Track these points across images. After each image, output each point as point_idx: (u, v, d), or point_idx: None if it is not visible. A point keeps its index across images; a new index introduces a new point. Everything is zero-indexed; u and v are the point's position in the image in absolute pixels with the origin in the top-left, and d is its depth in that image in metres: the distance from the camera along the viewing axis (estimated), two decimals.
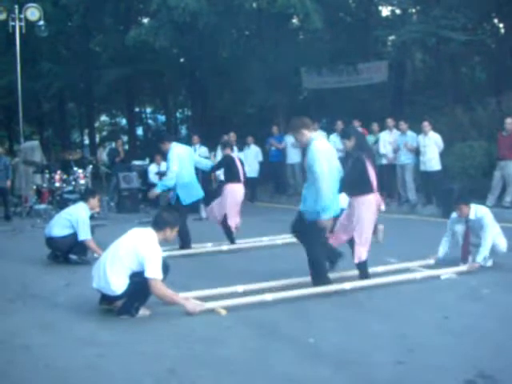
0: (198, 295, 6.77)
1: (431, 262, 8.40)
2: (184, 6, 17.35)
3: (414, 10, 21.02)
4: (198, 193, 10.05)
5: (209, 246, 10.22)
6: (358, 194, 7.29)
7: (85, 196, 9.56)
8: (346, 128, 8.50)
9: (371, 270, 7.69)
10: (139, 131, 34.49)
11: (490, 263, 8.26)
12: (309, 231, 7.08)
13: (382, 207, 7.67)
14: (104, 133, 40.42)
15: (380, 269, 7.99)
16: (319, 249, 7.18)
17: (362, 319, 6.19)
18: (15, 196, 15.71)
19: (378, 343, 5.39)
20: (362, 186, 7.28)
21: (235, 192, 10.35)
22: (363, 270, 7.50)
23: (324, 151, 7.00)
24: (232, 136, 16.94)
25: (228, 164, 10.48)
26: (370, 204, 7.30)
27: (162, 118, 35.75)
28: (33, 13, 16.77)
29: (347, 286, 7.21)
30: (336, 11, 20.91)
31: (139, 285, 6.05)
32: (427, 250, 8.68)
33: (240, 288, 7.07)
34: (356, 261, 7.42)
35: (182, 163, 9.71)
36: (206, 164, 10.96)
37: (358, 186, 7.28)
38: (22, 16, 16.53)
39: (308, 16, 17.46)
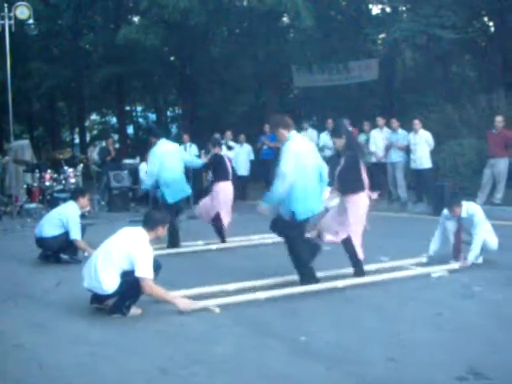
0: (191, 294, 6.76)
1: (423, 260, 8.42)
2: (174, 4, 17.32)
3: (404, 8, 21.06)
4: (184, 190, 9.95)
5: (200, 245, 10.22)
6: (350, 192, 7.32)
7: (75, 195, 9.48)
8: (337, 126, 8.49)
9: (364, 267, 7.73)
10: (130, 130, 34.42)
11: (480, 260, 8.29)
12: (286, 229, 7.19)
13: (374, 196, 7.71)
14: (94, 131, 40.30)
15: (372, 267, 7.99)
16: (301, 246, 7.22)
17: (353, 317, 6.21)
18: (5, 195, 15.63)
19: (370, 340, 5.40)
20: (354, 184, 7.32)
21: (226, 190, 10.34)
22: (360, 268, 7.54)
23: (295, 151, 7.05)
24: (228, 135, 17.00)
25: (217, 163, 10.45)
26: (363, 202, 7.37)
27: (152, 116, 35.70)
28: (22, 11, 16.72)
29: (340, 284, 7.24)
30: (326, 9, 20.94)
31: (130, 284, 6.04)
32: (418, 248, 8.70)
33: (231, 286, 7.06)
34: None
35: (164, 161, 9.64)
36: (198, 163, 10.94)
37: (350, 185, 7.31)
38: (12, 14, 16.48)
39: (298, 14, 17.49)
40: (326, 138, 16.26)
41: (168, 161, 9.69)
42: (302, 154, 7.12)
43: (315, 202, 7.22)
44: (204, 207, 10.45)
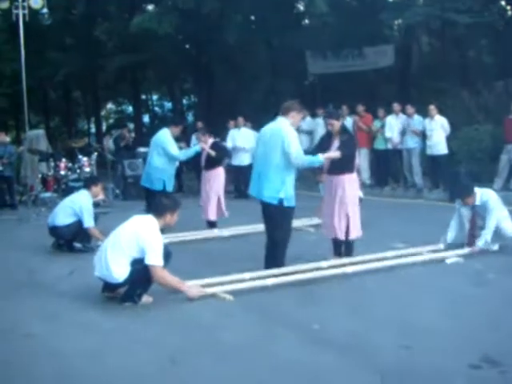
0: (205, 283, 6.70)
1: (441, 246, 8.33)
2: None
3: None
4: (145, 178, 10.79)
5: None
6: (344, 172, 7.55)
7: (87, 184, 9.50)
8: (334, 110, 8.93)
9: (379, 254, 7.72)
10: (146, 118, 34.44)
11: (495, 247, 8.20)
12: None
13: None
14: (111, 121, 40.39)
15: (388, 254, 7.91)
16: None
17: (366, 304, 6.17)
18: (21, 185, 15.69)
19: (383, 327, 5.37)
20: (349, 164, 7.61)
21: (223, 174, 10.84)
22: (351, 248, 7.75)
23: (257, 137, 7.86)
24: (240, 121, 16.97)
25: (220, 149, 10.93)
26: (355, 181, 7.73)
27: (168, 104, 35.68)
28: (36, 1, 16.75)
29: (349, 269, 7.23)
30: None
31: (141, 272, 6.02)
32: (434, 235, 8.58)
33: (247, 275, 6.98)
34: (353, 237, 7.62)
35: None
36: (192, 151, 11.18)
37: (346, 165, 7.54)
38: (26, 4, 16.49)
39: (313, 0, 17.34)
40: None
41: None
42: (259, 140, 7.48)
43: (258, 186, 7.24)
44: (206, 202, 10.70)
